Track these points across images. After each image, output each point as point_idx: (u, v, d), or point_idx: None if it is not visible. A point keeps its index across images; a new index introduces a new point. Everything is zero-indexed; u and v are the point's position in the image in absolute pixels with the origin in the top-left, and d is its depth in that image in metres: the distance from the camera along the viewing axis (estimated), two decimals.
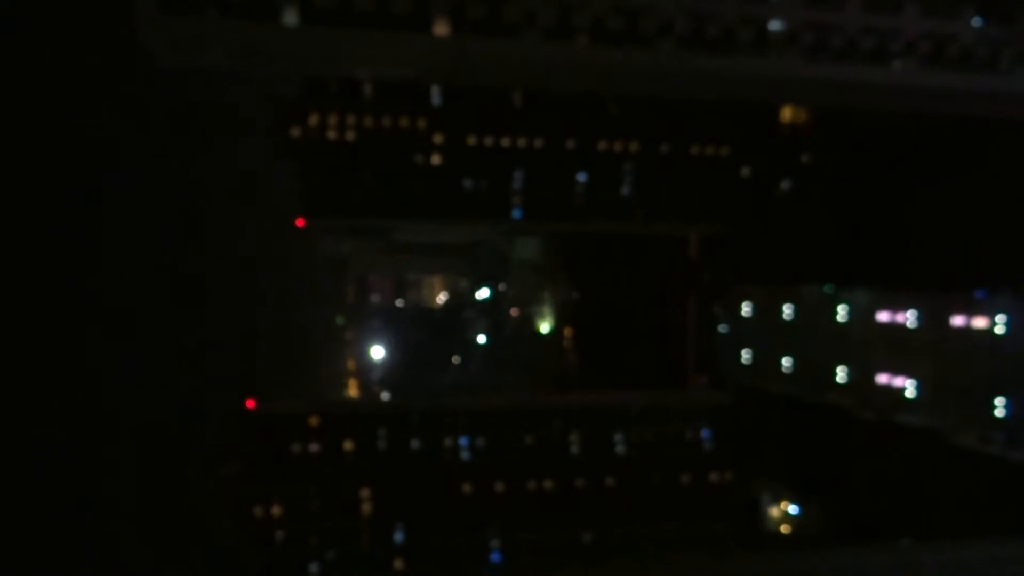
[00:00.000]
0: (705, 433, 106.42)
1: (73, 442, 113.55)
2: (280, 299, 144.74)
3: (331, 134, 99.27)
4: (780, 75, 64.06)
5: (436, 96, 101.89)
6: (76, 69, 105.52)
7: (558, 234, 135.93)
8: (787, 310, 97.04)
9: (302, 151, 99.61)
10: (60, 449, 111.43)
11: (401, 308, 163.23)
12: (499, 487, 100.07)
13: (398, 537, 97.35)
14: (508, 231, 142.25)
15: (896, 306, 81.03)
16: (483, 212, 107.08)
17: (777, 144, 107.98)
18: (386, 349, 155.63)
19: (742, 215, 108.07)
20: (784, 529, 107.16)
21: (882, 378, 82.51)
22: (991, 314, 70.97)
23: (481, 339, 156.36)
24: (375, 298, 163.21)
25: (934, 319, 76.79)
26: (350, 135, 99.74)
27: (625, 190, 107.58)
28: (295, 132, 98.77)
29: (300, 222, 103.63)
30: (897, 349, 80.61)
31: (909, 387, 79.43)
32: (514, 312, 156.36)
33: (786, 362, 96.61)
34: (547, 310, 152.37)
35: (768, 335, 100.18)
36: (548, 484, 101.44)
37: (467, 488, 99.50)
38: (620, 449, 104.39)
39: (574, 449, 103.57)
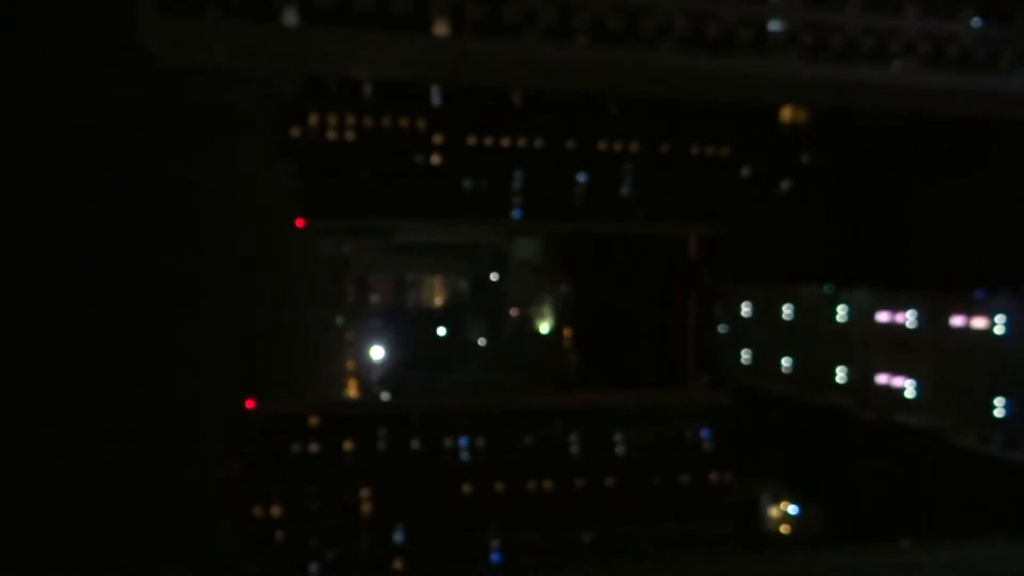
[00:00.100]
0: (705, 433, 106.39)
1: (73, 442, 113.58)
2: (280, 299, 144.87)
3: (331, 134, 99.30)
4: (780, 75, 64.01)
5: (436, 96, 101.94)
6: (76, 69, 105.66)
7: (558, 234, 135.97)
8: (787, 310, 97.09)
9: (302, 151, 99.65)
10: (60, 449, 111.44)
11: (401, 308, 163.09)
12: (499, 487, 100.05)
13: (398, 537, 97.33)
14: (508, 231, 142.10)
15: (896, 306, 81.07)
16: (483, 212, 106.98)
17: (777, 144, 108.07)
18: (386, 349, 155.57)
19: (742, 215, 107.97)
20: (784, 529, 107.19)
21: (882, 378, 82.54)
22: (991, 314, 71.00)
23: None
24: (375, 298, 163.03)
25: (934, 319, 76.81)
26: (350, 135, 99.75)
27: (625, 190, 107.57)
28: (295, 132, 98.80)
29: (300, 222, 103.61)
30: (897, 349, 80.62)
31: (909, 387, 79.45)
32: (514, 312, 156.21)
33: (786, 362, 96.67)
34: (547, 310, 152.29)
35: (768, 335, 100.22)
36: (548, 484, 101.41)
37: (467, 488, 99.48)
38: (620, 449, 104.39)
39: (574, 449, 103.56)
